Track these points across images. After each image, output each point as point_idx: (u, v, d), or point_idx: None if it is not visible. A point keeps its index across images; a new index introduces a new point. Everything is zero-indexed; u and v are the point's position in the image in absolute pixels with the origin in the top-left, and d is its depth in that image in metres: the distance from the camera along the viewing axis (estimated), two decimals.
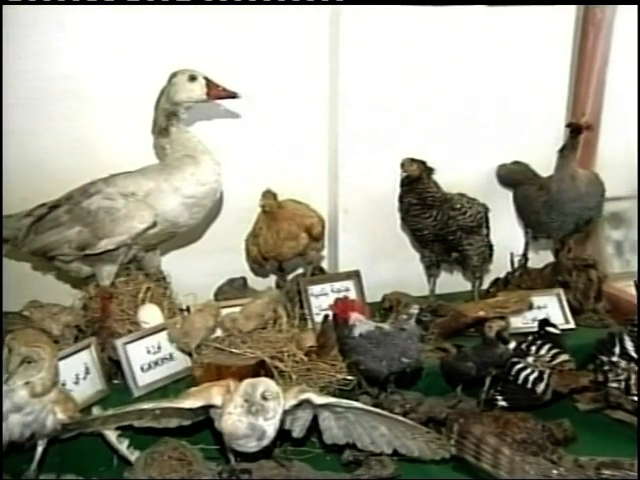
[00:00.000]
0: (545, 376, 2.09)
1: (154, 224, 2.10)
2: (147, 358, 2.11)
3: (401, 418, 1.82)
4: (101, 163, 2.24)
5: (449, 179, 2.49)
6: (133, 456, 1.84)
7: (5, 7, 2.19)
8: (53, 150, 2.36)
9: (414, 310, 2.05)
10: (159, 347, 2.14)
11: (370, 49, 2.56)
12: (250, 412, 1.64)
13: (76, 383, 1.98)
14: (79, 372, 2.01)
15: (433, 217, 2.43)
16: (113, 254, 2.14)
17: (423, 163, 2.43)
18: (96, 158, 2.33)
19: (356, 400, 1.87)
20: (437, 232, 2.46)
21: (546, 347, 2.21)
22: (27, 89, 2.30)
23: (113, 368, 2.12)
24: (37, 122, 2.33)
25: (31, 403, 1.65)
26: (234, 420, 1.65)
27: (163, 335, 2.15)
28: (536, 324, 2.35)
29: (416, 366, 2.03)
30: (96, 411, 1.93)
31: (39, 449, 1.73)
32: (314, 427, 1.86)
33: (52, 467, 1.80)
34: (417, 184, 2.42)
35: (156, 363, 2.12)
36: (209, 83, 2.11)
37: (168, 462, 1.79)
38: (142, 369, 2.09)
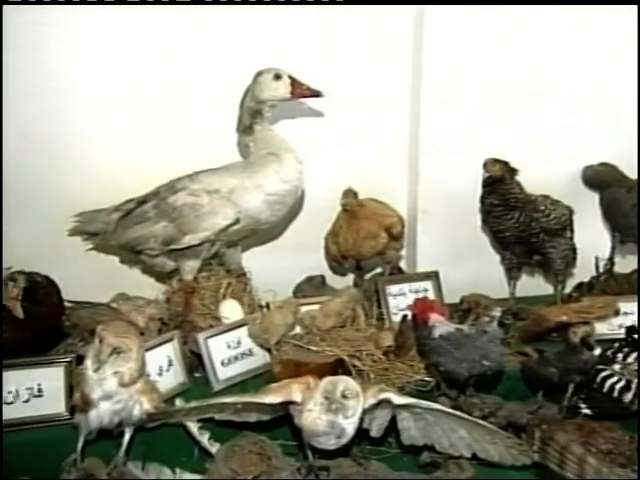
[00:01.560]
0: (633, 385, 2.01)
1: (237, 221, 2.14)
2: (227, 353, 2.14)
3: (481, 422, 1.79)
4: (187, 160, 2.29)
5: (533, 180, 2.43)
6: (214, 448, 1.87)
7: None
8: (141, 147, 2.43)
9: (496, 313, 2.02)
10: (239, 342, 2.16)
11: (453, 48, 2.52)
12: (330, 410, 1.64)
13: (160, 374, 2.03)
14: (162, 364, 2.05)
15: (515, 219, 2.38)
16: (196, 249, 2.20)
17: (506, 163, 2.39)
18: (182, 155, 2.38)
19: (434, 402, 1.85)
20: (519, 234, 2.41)
21: (634, 355, 2.13)
22: (115, 89, 2.39)
23: (194, 361, 2.15)
24: (128, 121, 2.41)
25: (120, 392, 1.70)
26: (314, 417, 1.65)
27: (243, 331, 2.17)
28: (623, 331, 2.26)
29: (497, 369, 1.98)
30: (178, 403, 1.97)
31: (126, 436, 1.79)
32: (392, 427, 1.85)
33: (138, 454, 1.85)
34: (500, 185, 2.38)
35: (236, 358, 2.15)
36: (294, 82, 2.14)
37: (248, 456, 1.80)
38: (222, 363, 2.12)
